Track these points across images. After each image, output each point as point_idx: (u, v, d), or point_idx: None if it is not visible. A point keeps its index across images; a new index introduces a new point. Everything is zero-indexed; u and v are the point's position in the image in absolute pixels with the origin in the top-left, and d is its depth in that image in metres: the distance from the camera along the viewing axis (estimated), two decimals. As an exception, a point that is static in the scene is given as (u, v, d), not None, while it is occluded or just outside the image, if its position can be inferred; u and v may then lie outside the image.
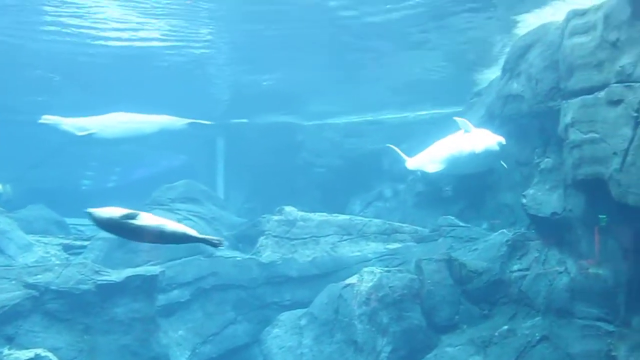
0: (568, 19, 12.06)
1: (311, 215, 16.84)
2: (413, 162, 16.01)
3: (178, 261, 15.33)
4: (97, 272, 13.65)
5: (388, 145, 16.69)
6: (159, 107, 19.57)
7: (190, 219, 16.55)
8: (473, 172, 14.85)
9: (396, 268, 14.02)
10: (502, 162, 13.58)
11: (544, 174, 13.00)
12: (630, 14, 10.20)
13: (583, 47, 11.29)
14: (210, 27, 16.66)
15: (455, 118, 14.39)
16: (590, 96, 11.01)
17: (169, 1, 15.12)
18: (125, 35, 17.12)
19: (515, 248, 13.11)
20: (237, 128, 23.52)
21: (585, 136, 11.07)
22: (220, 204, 19.36)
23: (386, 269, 13.72)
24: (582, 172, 11.22)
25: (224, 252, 16.18)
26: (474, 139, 13.67)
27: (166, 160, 26.38)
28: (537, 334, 12.08)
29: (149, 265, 14.80)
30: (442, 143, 15.41)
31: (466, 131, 14.07)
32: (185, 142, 23.14)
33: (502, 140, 13.08)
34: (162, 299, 14.55)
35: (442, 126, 19.57)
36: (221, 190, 23.26)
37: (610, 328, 11.22)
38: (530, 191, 13.08)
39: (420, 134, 20.63)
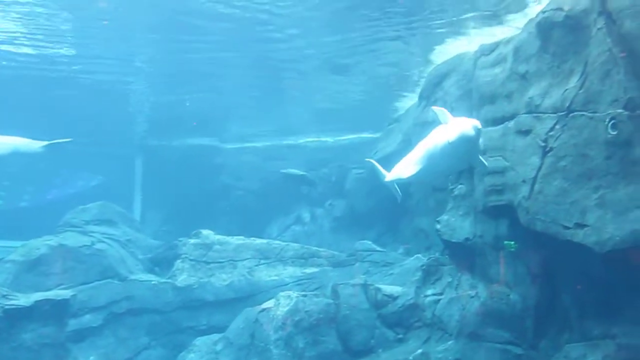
0: (480, 51, 12.49)
1: (229, 238, 16.73)
2: (391, 174, 13.73)
3: (90, 285, 14.96)
4: (4, 297, 13.19)
5: (367, 159, 15.34)
6: (73, 128, 19.08)
7: (104, 242, 16.18)
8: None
9: (313, 292, 14.03)
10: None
11: (458, 200, 13.28)
12: (538, 47, 10.61)
13: (494, 78, 11.70)
14: (128, 49, 16.47)
15: (433, 108, 11.87)
16: (501, 126, 11.40)
17: (81, 24, 14.89)
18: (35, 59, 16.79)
19: (429, 273, 13.30)
20: (156, 149, 23.20)
21: (495, 164, 11.41)
22: (136, 226, 19.00)
23: (303, 293, 13.71)
24: (492, 199, 11.55)
25: (139, 275, 15.88)
26: (448, 129, 11.14)
27: (82, 181, 25.80)
28: (450, 358, 12.25)
29: (59, 289, 14.38)
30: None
31: (444, 122, 11.42)
32: (102, 162, 22.68)
33: (478, 123, 10.70)
34: (73, 324, 14.15)
35: (361, 151, 19.92)
36: (138, 212, 22.85)
37: (519, 351, 11.50)
38: (445, 217, 13.35)
39: (340, 159, 20.92)
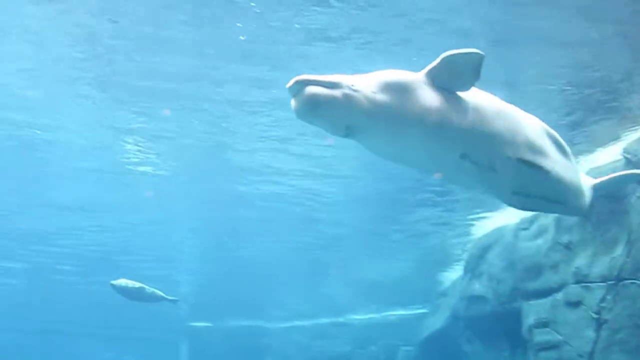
0: (520, 223, 12.41)
1: None
2: None
3: None
4: None
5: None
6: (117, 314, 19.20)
7: None
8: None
9: None
10: None
11: (516, 377, 12.70)
12: (580, 217, 10.48)
13: (537, 249, 11.51)
14: (172, 242, 17.04)
15: None
16: (549, 298, 11.06)
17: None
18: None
19: None
20: (201, 332, 23.05)
21: (549, 339, 10.97)
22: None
23: None
24: (550, 376, 11.00)
25: None
26: None
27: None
28: None
29: None
30: None
31: None
32: (145, 348, 22.54)
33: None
34: None
35: (409, 327, 19.46)
36: (183, 400, 22.38)
37: None
38: (501, 397, 12.71)
39: (387, 336, 20.42)
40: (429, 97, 5.52)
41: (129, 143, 12.12)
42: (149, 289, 13.81)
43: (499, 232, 13.83)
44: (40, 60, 9.29)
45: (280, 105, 9.85)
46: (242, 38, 8.32)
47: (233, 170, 13.04)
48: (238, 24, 8.05)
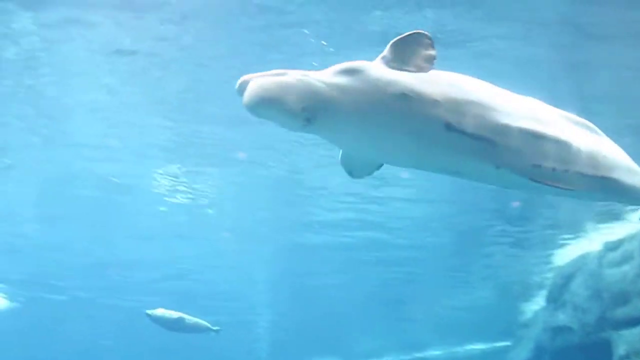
0: (604, 250, 12.09)
1: None
2: None
3: None
4: None
5: None
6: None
7: None
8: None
9: None
10: None
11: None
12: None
13: (623, 275, 11.18)
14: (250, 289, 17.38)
15: None
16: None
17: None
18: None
19: None
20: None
21: (642, 369, 10.59)
22: None
23: None
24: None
25: None
26: None
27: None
28: None
29: None
30: None
31: None
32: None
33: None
34: None
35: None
36: None
37: None
38: None
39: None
40: (388, 73, 5.37)
41: (203, 188, 12.38)
42: (191, 319, 13.07)
43: (582, 259, 13.49)
44: (117, 109, 9.64)
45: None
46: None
47: (309, 217, 13.22)
48: (314, 63, 8.18)
